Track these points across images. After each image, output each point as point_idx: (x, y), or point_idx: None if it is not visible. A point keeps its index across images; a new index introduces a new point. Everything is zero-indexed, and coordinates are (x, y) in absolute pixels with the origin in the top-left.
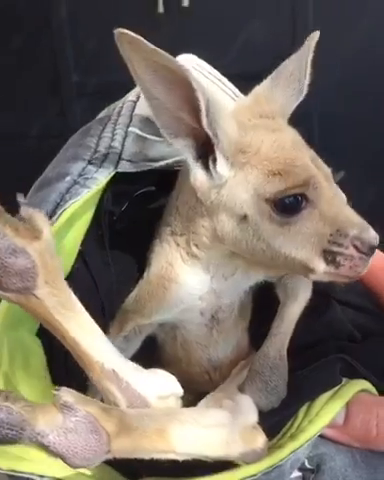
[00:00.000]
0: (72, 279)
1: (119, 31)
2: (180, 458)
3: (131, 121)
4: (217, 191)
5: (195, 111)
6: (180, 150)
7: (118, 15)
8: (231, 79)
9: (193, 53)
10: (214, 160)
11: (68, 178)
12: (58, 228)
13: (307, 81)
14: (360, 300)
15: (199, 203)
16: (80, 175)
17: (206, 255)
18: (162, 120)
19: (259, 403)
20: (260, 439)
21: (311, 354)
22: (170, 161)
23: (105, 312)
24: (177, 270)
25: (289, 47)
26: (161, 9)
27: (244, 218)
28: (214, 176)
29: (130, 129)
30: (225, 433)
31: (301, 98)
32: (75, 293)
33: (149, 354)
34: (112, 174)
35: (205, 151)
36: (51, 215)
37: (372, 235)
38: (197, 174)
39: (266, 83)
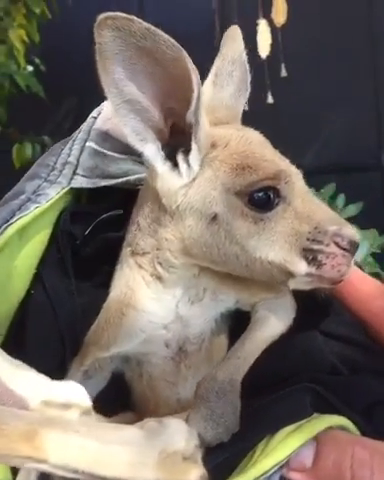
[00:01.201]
0: (28, 304)
1: (104, 16)
2: (57, 472)
3: (89, 136)
4: (185, 192)
5: (176, 99)
6: (149, 156)
7: None
8: (313, 173)
9: (279, 148)
10: (186, 155)
11: (23, 196)
12: (3, 244)
13: (249, 77)
14: (347, 331)
15: (162, 212)
16: (34, 192)
17: (172, 275)
18: (131, 125)
19: (204, 435)
20: (194, 472)
21: (282, 387)
22: (132, 178)
23: (65, 344)
24: (138, 295)
25: (375, 141)
26: (246, 107)
27: (214, 218)
28: (184, 174)
29: (87, 144)
30: (130, 453)
31: (247, 95)
32: (29, 319)
33: (120, 396)
34: (66, 189)
35: (171, 151)
36: None
37: (352, 231)
38: (165, 176)
39: (208, 92)
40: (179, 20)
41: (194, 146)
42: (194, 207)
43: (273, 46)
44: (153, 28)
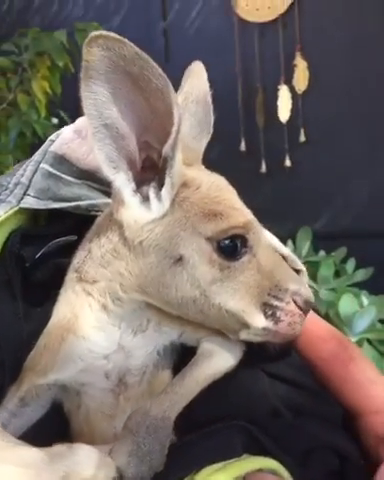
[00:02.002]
0: None
1: (96, 34)
2: None
3: (44, 158)
4: (152, 228)
5: (153, 132)
6: (119, 185)
7: (223, 175)
8: (326, 237)
9: (293, 211)
10: (158, 190)
11: None
12: None
13: (212, 117)
14: (295, 373)
15: (122, 245)
16: None
17: (118, 308)
18: (106, 151)
19: (125, 470)
20: None
21: (216, 428)
22: (83, 204)
23: (5, 369)
24: (80, 321)
25: None
26: (264, 169)
27: (179, 260)
28: (153, 208)
29: (41, 165)
30: (25, 475)
31: (209, 137)
32: None
33: (61, 427)
34: (14, 209)
35: (140, 185)
36: None
37: (309, 291)
38: (133, 208)
39: None
40: None
41: (168, 181)
42: (159, 245)
43: (293, 111)
44: (144, 54)
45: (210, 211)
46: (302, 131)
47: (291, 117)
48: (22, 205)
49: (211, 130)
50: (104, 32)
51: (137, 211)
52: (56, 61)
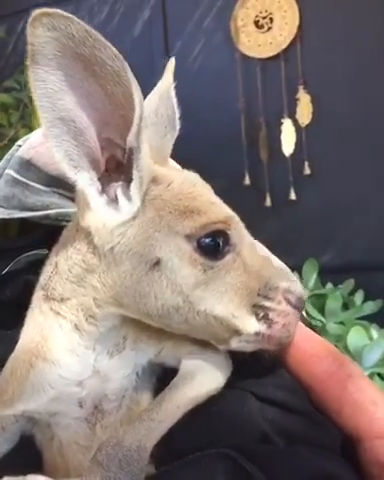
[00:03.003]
0: None
1: (39, 11)
2: None
3: (9, 163)
4: (123, 232)
5: (114, 126)
6: (82, 186)
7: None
8: (333, 270)
9: (300, 244)
10: (126, 187)
11: None
12: None
13: (177, 115)
14: (286, 396)
15: (91, 254)
16: None
17: (91, 326)
18: (64, 148)
19: None
20: None
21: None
22: (52, 212)
23: None
24: (50, 345)
25: None
26: (269, 203)
27: (156, 263)
28: (123, 209)
29: (6, 171)
30: None
31: (176, 133)
32: None
33: (31, 460)
34: None
35: (106, 186)
36: None
37: (301, 287)
38: (100, 211)
39: None
40: (205, 118)
41: (136, 175)
42: (133, 250)
43: (297, 144)
44: (94, 32)
45: (186, 208)
46: (306, 164)
47: (295, 151)
48: None
49: (177, 126)
50: (49, 9)
51: (105, 214)
52: None
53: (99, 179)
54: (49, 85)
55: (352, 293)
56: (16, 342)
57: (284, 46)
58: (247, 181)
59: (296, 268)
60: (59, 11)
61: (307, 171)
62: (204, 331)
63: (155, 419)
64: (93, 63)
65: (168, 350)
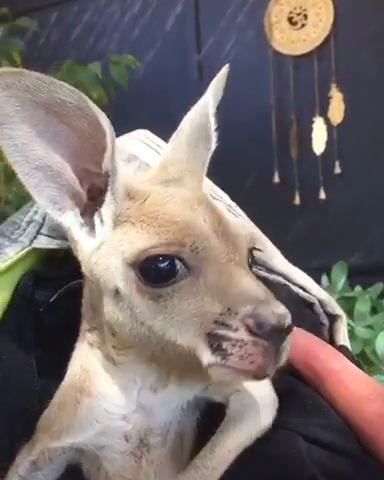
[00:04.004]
0: None
1: None
2: None
3: None
4: (95, 259)
5: (88, 157)
6: (67, 225)
7: (256, 207)
8: (362, 272)
9: (328, 245)
10: (101, 214)
11: None
12: None
13: (213, 126)
14: (335, 437)
15: (91, 282)
16: None
17: (122, 357)
18: (45, 194)
19: None
20: None
21: None
22: None
23: (16, 427)
24: (93, 379)
25: None
26: (298, 201)
27: (117, 293)
28: (97, 235)
29: None
30: None
31: (213, 146)
32: None
33: None
34: (27, 250)
35: (90, 216)
36: None
37: (271, 311)
38: (81, 242)
39: (168, 145)
40: (236, 115)
41: (108, 196)
42: (100, 278)
43: (328, 143)
44: (46, 77)
45: (143, 229)
46: (337, 163)
47: (326, 149)
48: (35, 245)
49: (212, 139)
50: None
51: (84, 243)
52: (90, 93)
53: (83, 211)
54: (17, 140)
55: (381, 296)
56: (60, 368)
57: (318, 43)
58: (276, 179)
59: (324, 269)
60: (7, 69)
61: (338, 170)
62: (183, 360)
63: (209, 466)
64: (53, 105)
65: (214, 387)
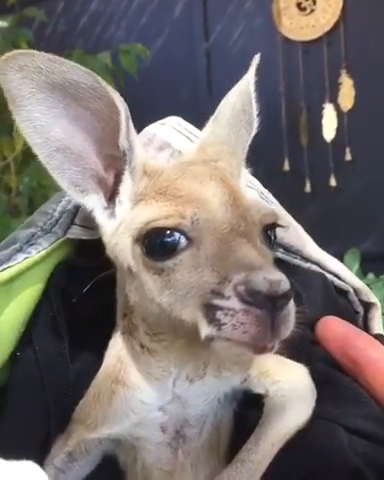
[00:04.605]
0: (12, 368)
1: (4, 57)
2: None
3: None
4: (116, 240)
5: (109, 141)
6: (90, 207)
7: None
8: (374, 258)
9: (340, 231)
10: (119, 194)
11: (15, 246)
12: None
13: (255, 111)
14: (377, 428)
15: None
16: (27, 242)
17: (155, 344)
18: (67, 176)
19: None
20: None
21: None
22: None
23: (51, 417)
24: (128, 368)
25: None
26: (308, 189)
27: (130, 272)
28: (116, 213)
29: None
30: None
31: (254, 131)
32: (12, 386)
33: None
34: (61, 240)
35: (112, 198)
36: None
37: (263, 277)
38: (104, 224)
39: (207, 127)
40: None
41: (126, 175)
42: (117, 257)
43: (338, 130)
44: (58, 58)
45: (152, 205)
46: (348, 150)
47: (336, 136)
48: (69, 235)
49: (254, 122)
50: (9, 53)
51: (106, 225)
52: None
53: (110, 196)
54: (35, 122)
55: None
56: (93, 358)
57: (327, 29)
58: (287, 167)
59: (335, 256)
60: (19, 51)
61: (348, 157)
62: (197, 337)
63: (255, 460)
64: (68, 87)
65: (253, 378)
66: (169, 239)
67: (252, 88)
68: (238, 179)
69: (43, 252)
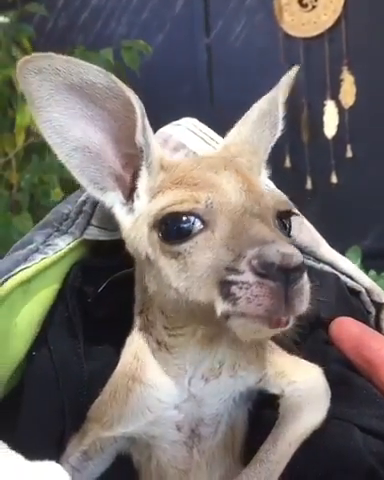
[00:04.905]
0: (28, 367)
1: (22, 60)
2: None
3: None
4: (134, 234)
5: (126, 139)
6: (109, 205)
7: None
8: (375, 255)
9: (341, 229)
10: (137, 189)
11: (31, 246)
12: (3, 297)
13: (281, 114)
14: None
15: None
16: (44, 242)
17: (173, 340)
18: (86, 174)
19: None
20: None
21: None
22: None
23: (66, 416)
24: (144, 366)
25: None
26: (309, 186)
27: (148, 260)
28: (135, 208)
29: None
30: None
31: (278, 133)
32: (28, 385)
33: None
34: (78, 241)
35: (130, 195)
36: None
37: (276, 250)
38: (122, 220)
39: (234, 130)
40: (246, 99)
41: (143, 170)
42: (136, 251)
43: (339, 126)
44: (74, 59)
45: (168, 194)
46: (349, 147)
47: (337, 133)
48: (86, 236)
49: (279, 125)
50: (28, 56)
51: (125, 220)
52: None
53: (129, 193)
54: (54, 123)
55: None
56: (108, 357)
57: (328, 25)
58: (288, 163)
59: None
60: (38, 54)
61: (349, 154)
62: (212, 322)
63: (273, 460)
64: (85, 88)
65: (269, 378)
66: (185, 223)
67: (281, 93)
68: (257, 175)
69: (60, 253)
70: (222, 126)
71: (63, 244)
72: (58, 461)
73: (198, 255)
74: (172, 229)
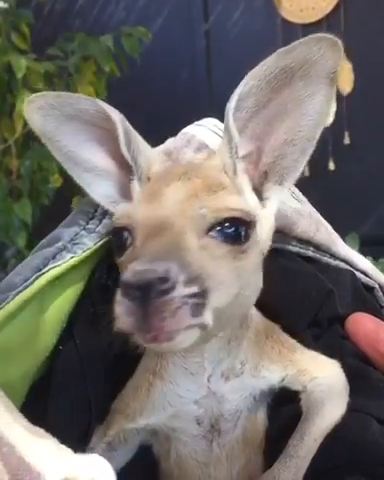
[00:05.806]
0: (55, 361)
1: (26, 101)
2: None
3: None
4: None
5: (121, 151)
6: None
7: None
8: (372, 242)
9: (338, 216)
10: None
11: (59, 244)
12: (33, 294)
13: None
14: None
15: None
16: (71, 240)
17: None
18: (99, 192)
19: None
20: None
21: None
22: None
23: (92, 409)
24: (164, 361)
25: None
26: (307, 173)
27: None
28: None
29: None
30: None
31: None
32: (55, 379)
33: (148, 471)
34: (104, 240)
35: None
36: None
37: (132, 268)
38: None
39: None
40: None
41: (135, 183)
42: None
43: (337, 113)
44: (63, 93)
45: None
46: (347, 134)
47: (335, 120)
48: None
49: None
50: (29, 97)
51: None
52: (102, 66)
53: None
54: (64, 150)
55: None
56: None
57: (327, 11)
58: None
59: None
60: (35, 94)
61: (347, 141)
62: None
63: (301, 455)
64: (81, 115)
65: (291, 377)
66: (121, 238)
67: None
68: (227, 178)
69: (88, 252)
70: (221, 111)
71: (91, 243)
72: (84, 452)
73: (122, 270)
74: (116, 243)
